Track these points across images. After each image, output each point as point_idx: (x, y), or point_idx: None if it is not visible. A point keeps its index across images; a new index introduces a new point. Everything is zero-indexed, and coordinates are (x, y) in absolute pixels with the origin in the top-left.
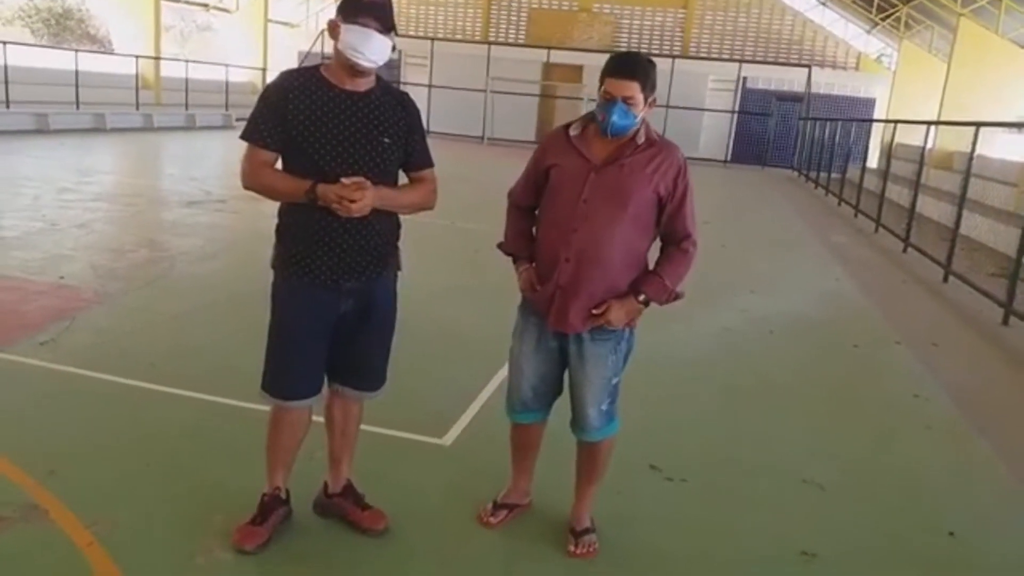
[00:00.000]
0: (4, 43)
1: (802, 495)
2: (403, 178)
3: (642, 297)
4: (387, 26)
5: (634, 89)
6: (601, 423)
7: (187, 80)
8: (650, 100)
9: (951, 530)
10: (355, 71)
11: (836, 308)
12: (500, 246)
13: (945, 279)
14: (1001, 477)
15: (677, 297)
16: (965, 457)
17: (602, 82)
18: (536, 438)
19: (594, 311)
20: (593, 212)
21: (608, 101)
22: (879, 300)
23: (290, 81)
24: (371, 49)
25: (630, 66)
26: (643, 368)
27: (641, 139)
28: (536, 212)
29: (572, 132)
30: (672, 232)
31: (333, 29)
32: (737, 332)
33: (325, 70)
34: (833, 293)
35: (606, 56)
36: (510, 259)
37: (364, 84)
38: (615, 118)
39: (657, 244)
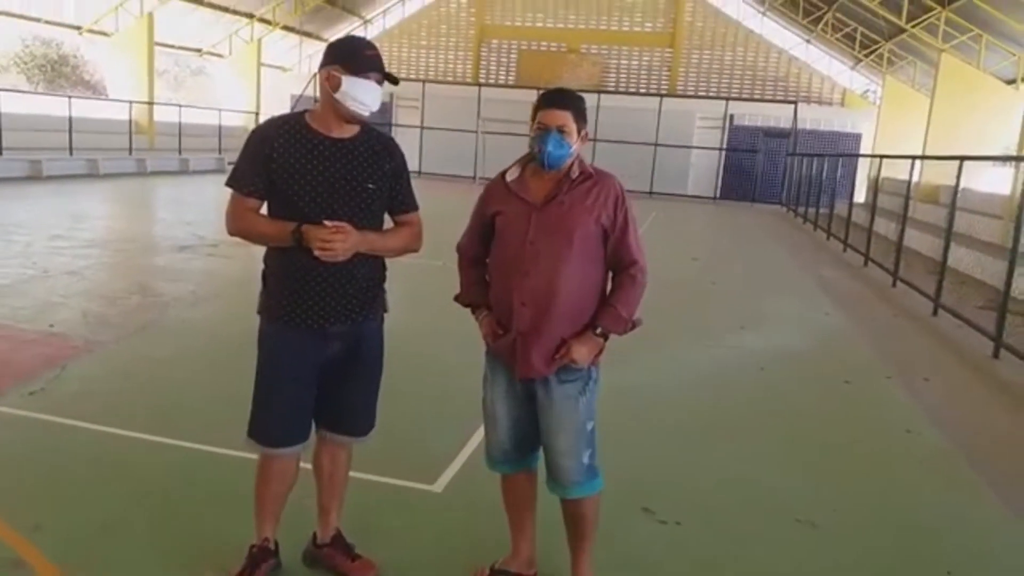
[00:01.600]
0: None
1: (796, 534)
2: (389, 221)
3: (599, 330)
4: (383, 77)
5: (567, 118)
6: (583, 477)
7: (180, 124)
8: (582, 133)
9: (949, 569)
10: (349, 119)
11: (827, 343)
12: (457, 298)
13: (935, 312)
14: (996, 512)
15: (634, 326)
16: (959, 492)
17: (535, 116)
18: (527, 492)
19: (556, 355)
20: (541, 252)
21: (543, 132)
22: (870, 334)
23: (274, 129)
24: (373, 100)
25: (562, 97)
26: (633, 407)
27: (575, 173)
28: (487, 261)
29: (509, 178)
30: (619, 260)
31: (332, 80)
32: (728, 369)
33: (310, 117)
34: (823, 328)
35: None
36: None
37: (350, 131)
38: (550, 148)
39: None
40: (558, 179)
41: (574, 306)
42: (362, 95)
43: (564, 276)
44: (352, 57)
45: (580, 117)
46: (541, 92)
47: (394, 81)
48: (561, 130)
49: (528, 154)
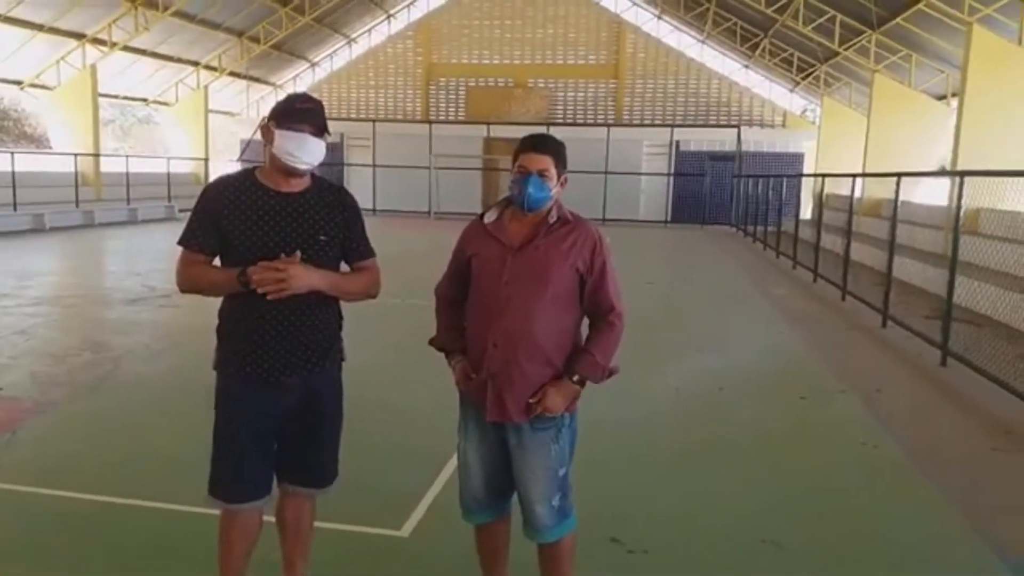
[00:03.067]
0: None
1: (761, 556)
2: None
3: (576, 377)
4: (321, 129)
5: (547, 163)
6: (553, 521)
7: (128, 174)
8: (562, 179)
9: None
10: (290, 173)
11: (782, 361)
12: (431, 341)
13: (884, 324)
14: (952, 519)
15: (612, 373)
16: (916, 502)
17: (516, 159)
18: (501, 538)
19: (530, 400)
20: (515, 294)
21: (523, 175)
22: (822, 350)
23: (224, 187)
24: (306, 152)
25: (543, 142)
26: (594, 434)
27: (554, 217)
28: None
29: (487, 220)
30: (596, 307)
31: (267, 134)
32: (686, 392)
33: (260, 173)
34: (778, 346)
35: (544, 128)
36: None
37: (299, 184)
38: (531, 190)
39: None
40: (536, 223)
41: (546, 350)
42: (293, 148)
43: (537, 319)
44: (283, 111)
45: (561, 162)
46: (523, 136)
47: (324, 132)
48: (542, 174)
49: (506, 198)
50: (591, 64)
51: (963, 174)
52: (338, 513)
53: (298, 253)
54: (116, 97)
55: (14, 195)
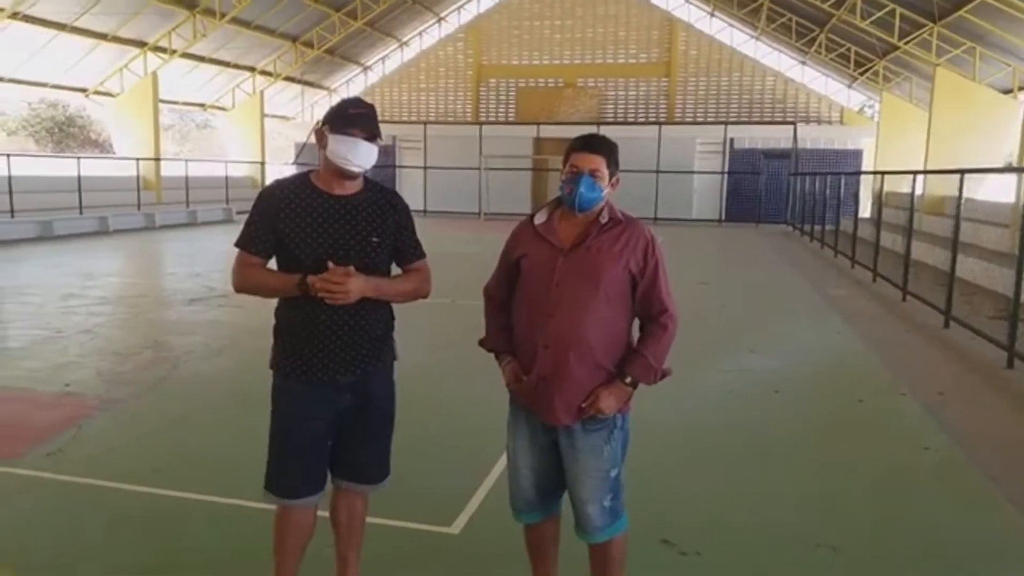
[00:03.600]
0: (8, 155)
1: (817, 559)
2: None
3: (628, 380)
4: (373, 134)
5: (599, 163)
6: (604, 522)
7: (187, 178)
8: (614, 179)
9: None
10: (343, 176)
11: (839, 362)
12: (481, 343)
13: (946, 325)
14: (1018, 527)
15: (664, 375)
16: (980, 509)
17: (567, 159)
18: (550, 538)
19: (583, 404)
20: (566, 296)
21: (575, 175)
22: (882, 351)
23: (280, 189)
24: (358, 156)
25: (596, 142)
26: (646, 436)
27: (605, 218)
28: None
29: (537, 221)
30: (648, 308)
31: (320, 138)
32: (740, 394)
33: (315, 177)
34: (835, 347)
35: (595, 127)
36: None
37: (352, 187)
38: (583, 189)
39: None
40: (587, 224)
41: (597, 352)
42: (345, 151)
43: (588, 321)
44: (336, 116)
45: (613, 163)
46: (575, 137)
47: (377, 136)
48: (593, 174)
49: (556, 199)
50: (642, 63)
51: None
52: (390, 510)
53: (351, 268)
54: (176, 103)
55: (80, 199)
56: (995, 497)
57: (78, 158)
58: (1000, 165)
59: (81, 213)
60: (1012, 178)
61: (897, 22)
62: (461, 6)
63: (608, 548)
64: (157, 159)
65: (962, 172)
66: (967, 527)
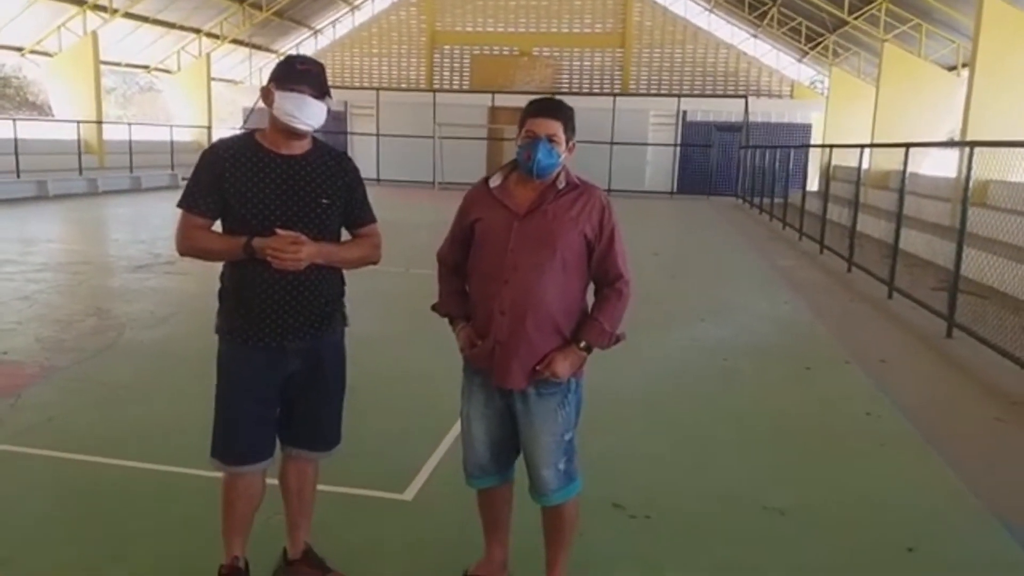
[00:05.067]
0: None
1: (765, 522)
2: (347, 235)
3: (583, 344)
4: (321, 91)
5: (557, 128)
6: (559, 484)
7: (131, 142)
8: (571, 144)
9: (909, 546)
10: (291, 135)
11: (787, 332)
12: (434, 307)
13: (890, 296)
14: (956, 489)
15: (618, 340)
16: (919, 472)
17: (523, 124)
18: (504, 502)
19: (537, 367)
20: (521, 261)
21: (532, 140)
22: (828, 321)
23: (224, 149)
24: (306, 114)
25: (552, 106)
26: (598, 402)
27: (562, 183)
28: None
29: (492, 184)
30: (604, 273)
31: (267, 95)
32: (690, 362)
33: (260, 136)
34: (783, 317)
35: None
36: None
37: (300, 147)
38: (540, 155)
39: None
40: (543, 189)
41: (553, 317)
42: (293, 109)
43: (544, 286)
44: (283, 73)
45: (570, 127)
46: (530, 100)
47: (326, 95)
48: (551, 139)
49: (512, 161)
50: (597, 32)
51: (972, 144)
52: (341, 477)
53: (300, 235)
54: (118, 65)
55: (17, 162)
56: (934, 460)
57: (14, 120)
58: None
59: (18, 177)
60: (954, 154)
61: None
62: None
63: (561, 511)
64: (99, 122)
65: (907, 146)
66: (908, 490)
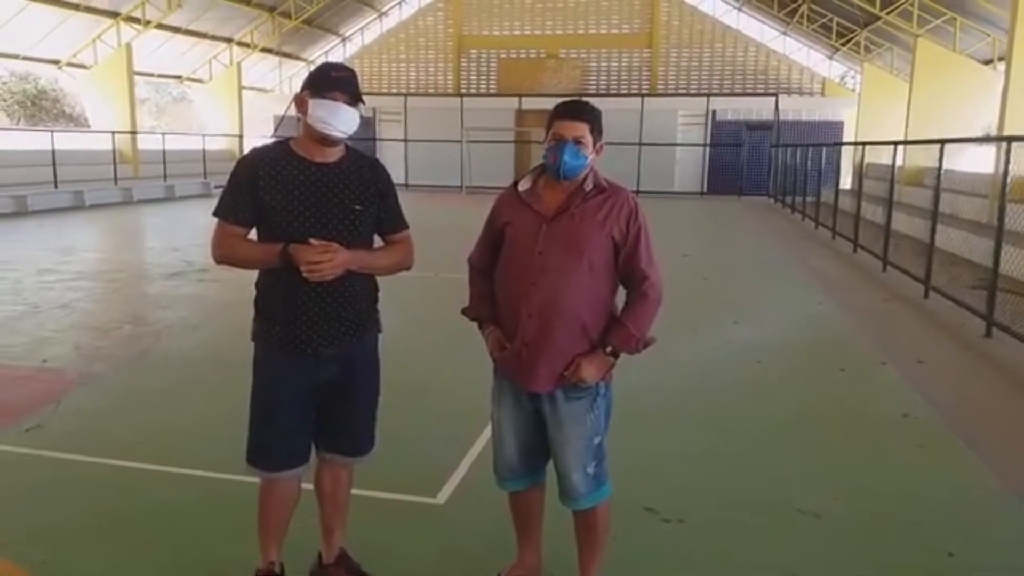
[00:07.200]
0: None
1: (799, 525)
2: (379, 242)
3: (609, 349)
4: (354, 98)
5: (583, 130)
6: (588, 488)
7: (164, 152)
8: (598, 145)
9: (950, 551)
10: (325, 142)
11: (821, 332)
12: (464, 311)
13: (926, 295)
14: (996, 491)
15: (647, 344)
16: (959, 473)
17: (549, 127)
18: (535, 505)
19: (564, 372)
20: (549, 264)
21: (559, 142)
22: (862, 321)
23: (259, 157)
24: (340, 120)
25: (579, 108)
26: (630, 404)
27: (589, 186)
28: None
29: (521, 188)
30: (630, 276)
31: (301, 104)
32: (723, 364)
33: (294, 144)
34: (817, 317)
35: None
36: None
37: (333, 154)
38: (567, 157)
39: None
40: (571, 191)
41: (581, 319)
42: (327, 116)
43: (572, 289)
44: (317, 80)
45: (596, 129)
46: (557, 103)
47: (359, 102)
48: (577, 141)
49: (540, 165)
50: (624, 33)
51: (1010, 139)
52: (375, 481)
53: (333, 244)
54: (151, 75)
55: (55, 173)
56: (974, 462)
57: (52, 131)
58: (979, 135)
59: (56, 188)
60: (991, 149)
61: None
62: None
63: (592, 515)
64: (133, 132)
65: (942, 142)
66: (947, 494)
